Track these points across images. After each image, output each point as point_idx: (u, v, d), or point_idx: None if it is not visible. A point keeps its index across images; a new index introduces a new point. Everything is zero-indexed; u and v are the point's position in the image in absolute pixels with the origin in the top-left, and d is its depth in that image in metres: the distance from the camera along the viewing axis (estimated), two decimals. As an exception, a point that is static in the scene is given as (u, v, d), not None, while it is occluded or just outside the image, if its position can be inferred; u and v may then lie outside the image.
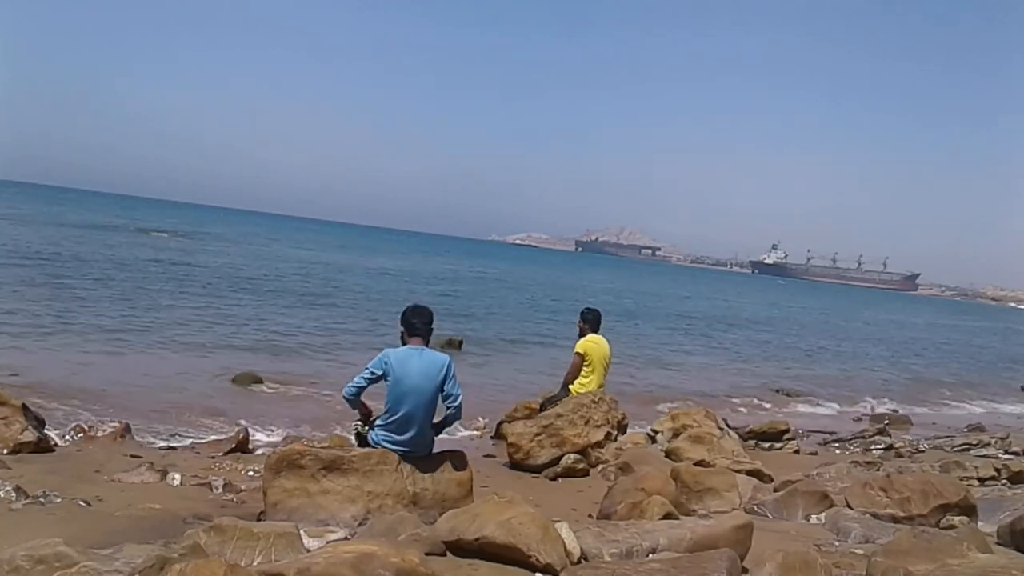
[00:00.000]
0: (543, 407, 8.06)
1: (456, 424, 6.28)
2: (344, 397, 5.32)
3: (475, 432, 9.21)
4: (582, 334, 8.26)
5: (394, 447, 5.13)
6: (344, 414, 9.32)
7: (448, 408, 5.27)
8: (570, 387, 8.10)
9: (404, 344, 5.35)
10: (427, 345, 5.37)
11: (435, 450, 5.32)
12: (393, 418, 5.14)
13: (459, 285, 37.54)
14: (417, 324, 5.39)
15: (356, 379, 5.21)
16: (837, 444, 10.51)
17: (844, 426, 12.09)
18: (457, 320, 22.20)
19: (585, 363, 8.09)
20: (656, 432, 8.39)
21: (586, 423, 7.43)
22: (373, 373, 5.17)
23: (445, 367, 5.24)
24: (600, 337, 8.25)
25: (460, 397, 5.27)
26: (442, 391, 5.23)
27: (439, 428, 5.39)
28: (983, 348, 37.36)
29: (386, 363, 5.16)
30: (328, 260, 44.44)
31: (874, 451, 10.02)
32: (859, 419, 13.37)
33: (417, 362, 5.19)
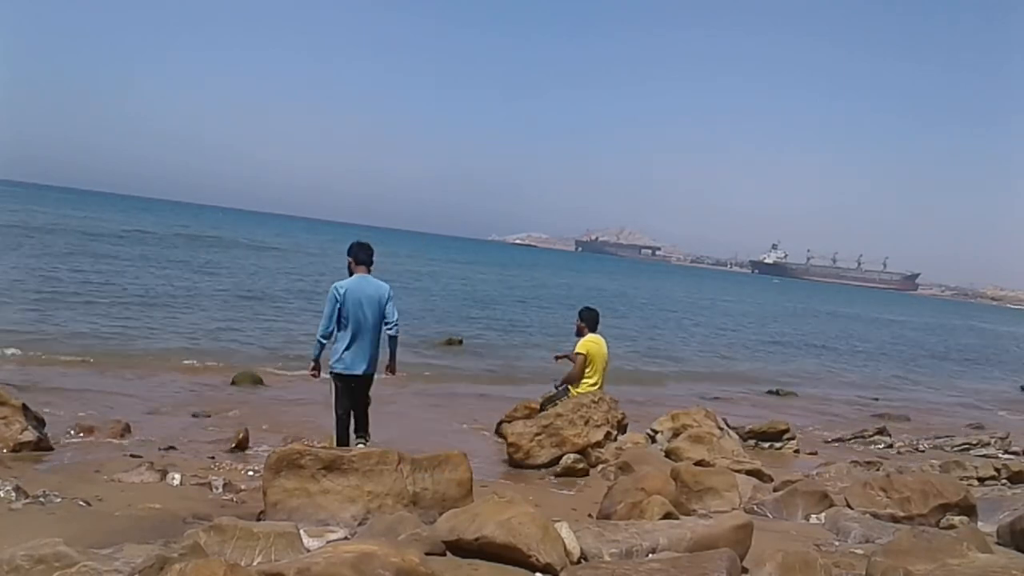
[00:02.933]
0: (543, 407, 8.06)
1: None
2: (319, 338, 6.21)
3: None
4: (580, 333, 8.24)
5: (352, 366, 6.17)
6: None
7: (388, 331, 6.26)
8: (570, 388, 8.11)
9: (352, 273, 6.33)
10: (369, 273, 6.34)
11: (436, 451, 5.37)
12: (349, 337, 6.13)
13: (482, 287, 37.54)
14: (363, 256, 6.35)
15: (324, 321, 6.15)
16: (837, 443, 10.52)
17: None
18: (458, 320, 22.23)
19: (586, 363, 8.08)
20: (656, 432, 8.38)
21: (586, 423, 7.44)
22: (334, 308, 6.13)
23: (388, 292, 6.29)
24: (599, 337, 8.25)
25: (398, 320, 6.32)
26: (384, 315, 6.22)
27: (391, 357, 6.38)
28: None
29: (341, 293, 6.12)
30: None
31: (874, 450, 10.03)
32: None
33: (367, 287, 6.21)
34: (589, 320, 8.26)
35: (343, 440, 6.31)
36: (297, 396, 9.98)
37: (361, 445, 6.22)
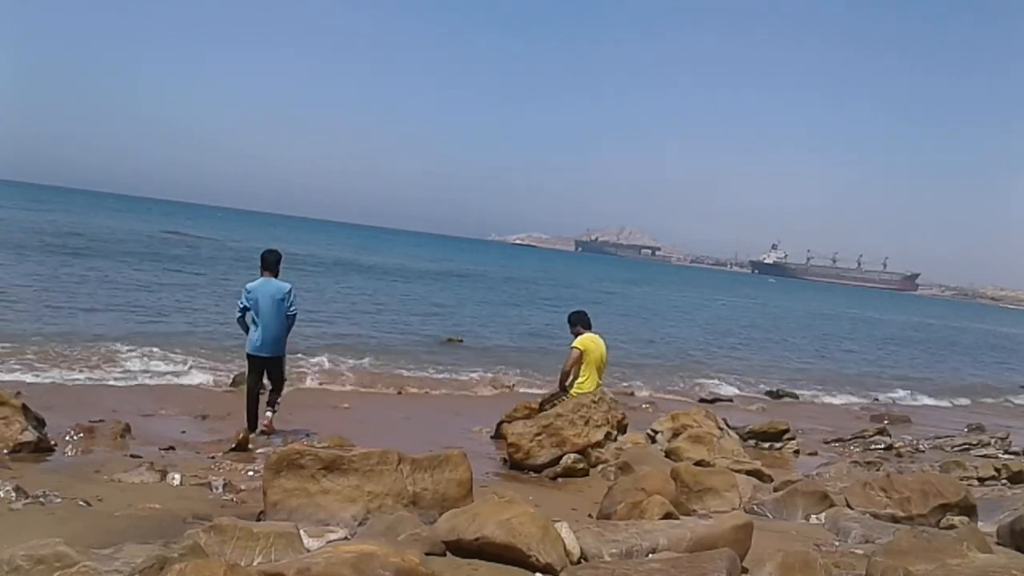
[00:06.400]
0: (542, 407, 8.07)
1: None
2: (237, 321, 7.88)
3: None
4: (576, 335, 8.30)
5: (257, 348, 7.70)
6: (345, 410, 9.38)
7: (288, 314, 7.80)
8: (568, 389, 8.12)
9: (260, 275, 7.81)
10: (275, 276, 7.82)
11: (436, 451, 5.40)
12: (258, 326, 7.66)
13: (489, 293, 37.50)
14: (270, 261, 7.82)
15: (236, 310, 7.81)
16: (837, 444, 10.52)
17: None
18: (458, 319, 22.22)
19: (580, 360, 8.09)
20: (656, 432, 8.39)
21: (586, 423, 7.43)
22: (244, 304, 7.68)
23: (287, 291, 7.78)
24: (596, 336, 8.28)
25: (296, 311, 7.91)
26: (288, 308, 7.77)
27: (286, 332, 7.90)
28: None
29: (248, 293, 7.69)
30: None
31: (874, 451, 10.02)
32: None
33: (268, 288, 7.71)
34: (580, 322, 8.37)
35: (252, 410, 7.76)
36: (296, 397, 9.98)
37: (269, 414, 7.84)
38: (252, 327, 7.73)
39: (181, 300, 18.59)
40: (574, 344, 8.16)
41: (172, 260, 29.96)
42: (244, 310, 7.72)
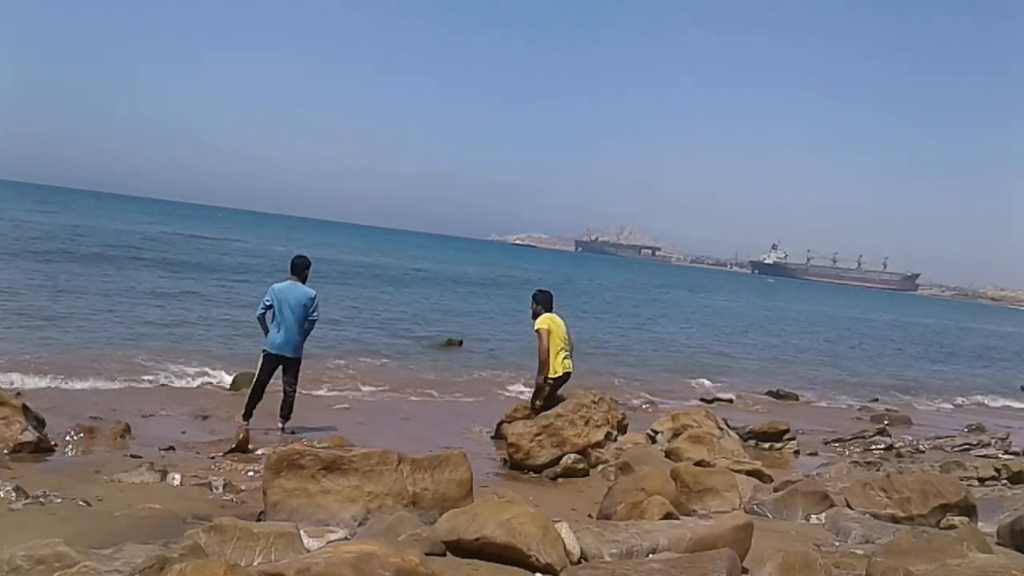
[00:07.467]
0: (533, 403, 8.09)
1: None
2: (257, 318, 8.10)
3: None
4: (536, 316, 8.28)
5: (276, 347, 7.87)
6: (345, 411, 9.37)
7: (310, 321, 8.04)
8: (548, 375, 8.10)
9: (288, 279, 8.01)
10: (302, 282, 8.02)
11: (435, 451, 5.41)
12: (277, 326, 7.87)
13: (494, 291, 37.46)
14: (299, 266, 8.06)
15: (259, 308, 8.01)
16: (837, 444, 10.51)
17: None
18: (458, 320, 22.22)
19: (549, 337, 8.13)
20: (656, 432, 8.39)
21: (586, 423, 7.44)
22: (267, 303, 7.91)
23: (312, 297, 7.99)
24: (555, 315, 8.34)
25: (317, 318, 8.15)
26: (310, 313, 7.97)
27: (305, 335, 8.08)
28: None
29: (273, 293, 7.91)
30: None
31: (874, 451, 10.02)
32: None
33: (293, 291, 7.93)
34: (544, 301, 8.37)
35: (254, 401, 7.93)
36: (297, 398, 9.98)
37: (281, 425, 8.00)
38: (273, 327, 7.91)
39: (180, 301, 18.59)
40: (537, 326, 8.17)
41: (172, 261, 29.95)
42: (267, 308, 7.91)
